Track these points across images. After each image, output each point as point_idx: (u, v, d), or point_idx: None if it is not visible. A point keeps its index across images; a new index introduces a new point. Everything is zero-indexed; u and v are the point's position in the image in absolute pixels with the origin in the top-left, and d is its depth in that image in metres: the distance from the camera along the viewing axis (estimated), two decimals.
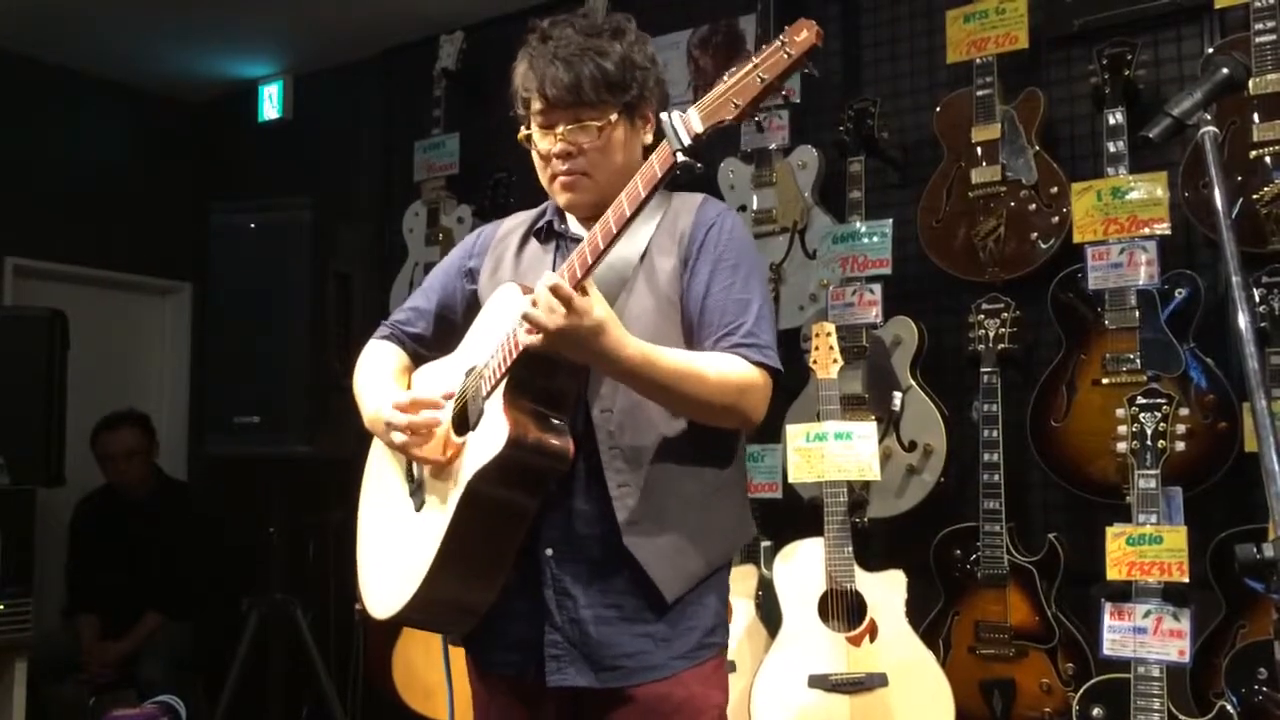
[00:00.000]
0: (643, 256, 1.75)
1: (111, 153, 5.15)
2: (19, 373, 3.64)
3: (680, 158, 1.48)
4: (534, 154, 1.81)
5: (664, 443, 1.71)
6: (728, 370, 1.67)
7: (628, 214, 1.53)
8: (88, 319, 4.35)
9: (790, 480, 3.12)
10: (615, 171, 1.74)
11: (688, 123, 1.48)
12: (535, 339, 1.55)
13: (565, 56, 1.70)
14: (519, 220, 1.96)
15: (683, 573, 1.72)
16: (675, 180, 1.52)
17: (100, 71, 5.02)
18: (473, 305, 1.90)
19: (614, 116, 1.73)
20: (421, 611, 1.74)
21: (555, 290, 1.51)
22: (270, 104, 5.13)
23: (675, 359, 1.64)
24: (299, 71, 5.08)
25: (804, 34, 1.44)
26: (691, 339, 1.74)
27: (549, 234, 1.87)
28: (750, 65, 1.46)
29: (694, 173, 1.50)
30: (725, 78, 1.48)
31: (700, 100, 1.49)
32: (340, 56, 4.88)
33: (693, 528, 1.73)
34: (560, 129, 1.73)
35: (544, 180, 1.83)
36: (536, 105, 1.76)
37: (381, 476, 1.93)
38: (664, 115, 1.51)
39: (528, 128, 1.80)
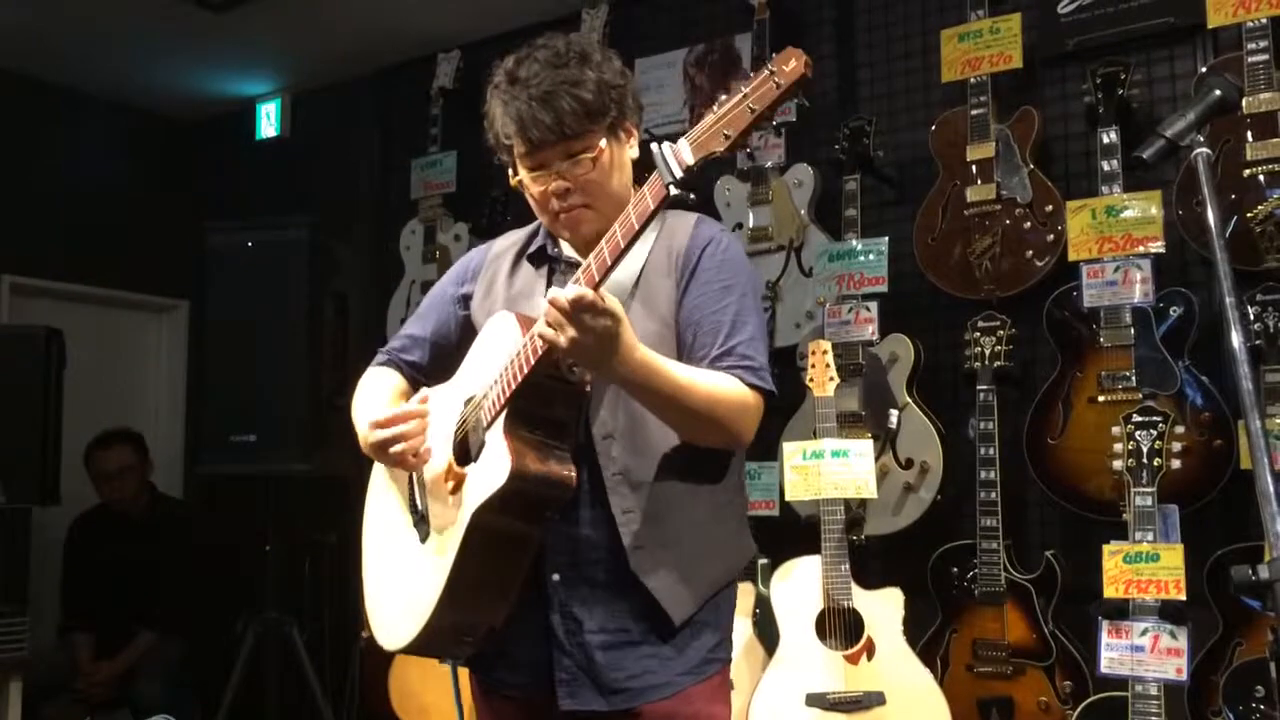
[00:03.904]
0: (637, 280, 1.74)
1: (109, 171, 5.15)
2: (15, 391, 3.63)
3: (673, 190, 1.46)
4: (528, 196, 1.78)
5: (665, 464, 1.71)
6: (727, 388, 1.67)
7: (622, 246, 1.50)
8: (84, 337, 4.34)
9: (787, 498, 3.12)
10: (613, 195, 1.73)
11: (679, 155, 1.45)
12: (560, 339, 1.49)
13: (540, 95, 1.66)
14: (510, 241, 1.94)
15: (690, 595, 1.72)
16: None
17: (98, 90, 5.03)
18: (468, 330, 1.88)
19: (602, 143, 1.71)
20: (430, 641, 1.73)
21: (579, 299, 1.46)
22: (268, 122, 5.14)
23: (679, 371, 1.63)
24: (297, 90, 5.09)
25: (792, 63, 1.41)
26: (684, 360, 1.72)
27: (541, 257, 1.86)
28: (740, 95, 1.44)
29: (686, 203, 1.49)
30: (715, 108, 1.45)
31: (690, 131, 1.47)
32: (338, 75, 4.90)
33: (697, 549, 1.73)
34: (554, 167, 1.71)
35: (545, 221, 1.81)
36: (521, 149, 1.73)
37: (383, 505, 1.92)
38: (655, 146, 1.48)
39: (515, 172, 1.78)
